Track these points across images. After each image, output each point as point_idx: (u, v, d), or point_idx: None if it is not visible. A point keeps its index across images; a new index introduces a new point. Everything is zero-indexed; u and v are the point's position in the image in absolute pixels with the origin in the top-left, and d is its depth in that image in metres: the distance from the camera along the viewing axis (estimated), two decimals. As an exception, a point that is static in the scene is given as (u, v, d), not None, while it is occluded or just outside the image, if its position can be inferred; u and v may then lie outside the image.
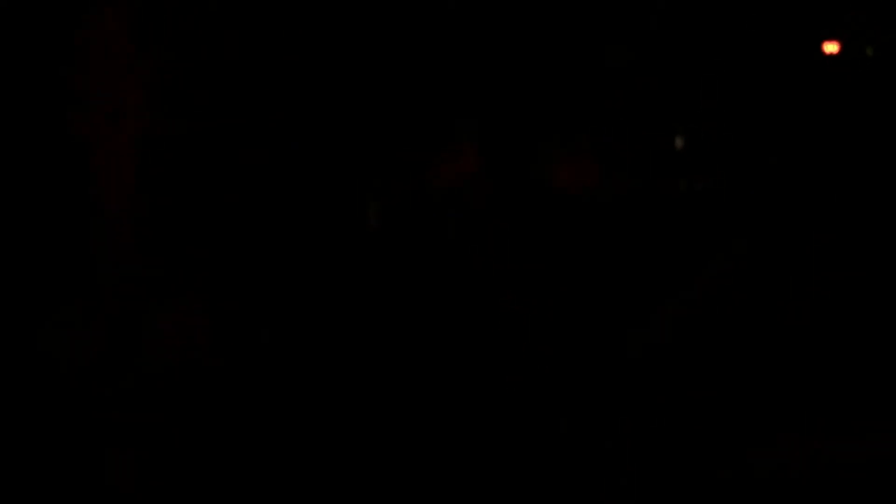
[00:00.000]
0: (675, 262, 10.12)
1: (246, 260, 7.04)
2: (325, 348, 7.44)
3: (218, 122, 6.76)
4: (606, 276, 9.82)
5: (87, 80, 6.53)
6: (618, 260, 10.02)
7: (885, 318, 9.53)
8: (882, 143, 10.93)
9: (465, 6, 9.26)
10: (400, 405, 7.54)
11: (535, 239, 9.63)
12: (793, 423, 7.97)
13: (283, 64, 6.94)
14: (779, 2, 10.15)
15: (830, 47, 9.90)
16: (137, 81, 6.58)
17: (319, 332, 7.42)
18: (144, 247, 6.43)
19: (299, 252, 7.34)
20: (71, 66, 6.49)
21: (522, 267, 9.23)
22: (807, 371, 8.89)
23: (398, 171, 8.62)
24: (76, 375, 6.23)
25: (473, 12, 9.24)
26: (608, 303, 9.36)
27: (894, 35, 10.38)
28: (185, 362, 6.60)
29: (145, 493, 6.40)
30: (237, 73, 6.61)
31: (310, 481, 6.69)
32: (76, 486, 6.31)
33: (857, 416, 8.13)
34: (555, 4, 9.61)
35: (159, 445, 6.45)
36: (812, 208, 10.81)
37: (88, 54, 6.53)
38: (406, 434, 7.34)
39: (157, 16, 6.51)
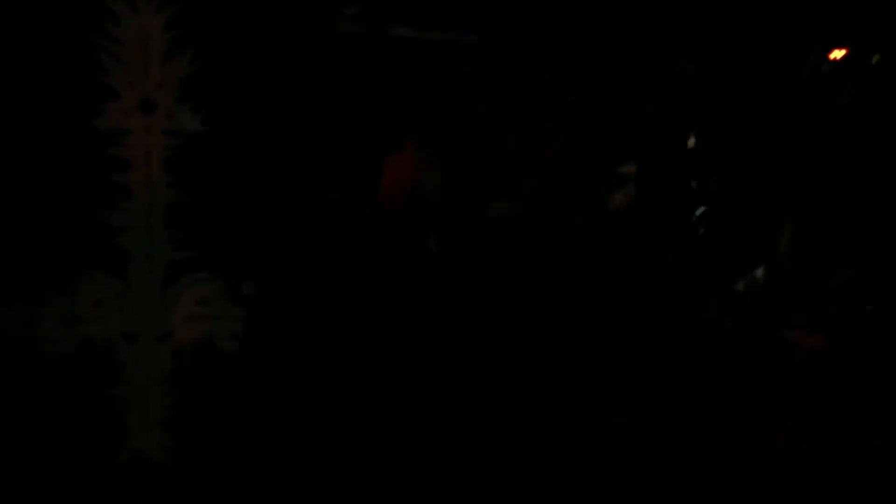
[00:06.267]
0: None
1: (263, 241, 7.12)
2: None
3: (247, 117, 6.82)
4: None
5: (122, 72, 6.59)
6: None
7: None
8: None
9: None
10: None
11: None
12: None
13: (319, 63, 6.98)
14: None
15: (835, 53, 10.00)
16: (170, 74, 6.65)
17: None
18: (172, 230, 6.57)
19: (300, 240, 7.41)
20: (105, 59, 6.54)
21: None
22: None
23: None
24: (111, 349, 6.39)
25: None
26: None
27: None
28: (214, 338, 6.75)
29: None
30: (274, 68, 6.65)
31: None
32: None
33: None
34: None
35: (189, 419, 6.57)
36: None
37: (123, 47, 6.59)
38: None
39: (191, 10, 6.57)
